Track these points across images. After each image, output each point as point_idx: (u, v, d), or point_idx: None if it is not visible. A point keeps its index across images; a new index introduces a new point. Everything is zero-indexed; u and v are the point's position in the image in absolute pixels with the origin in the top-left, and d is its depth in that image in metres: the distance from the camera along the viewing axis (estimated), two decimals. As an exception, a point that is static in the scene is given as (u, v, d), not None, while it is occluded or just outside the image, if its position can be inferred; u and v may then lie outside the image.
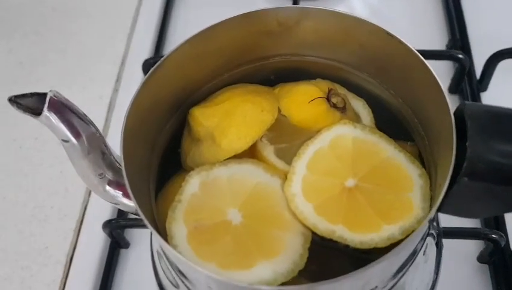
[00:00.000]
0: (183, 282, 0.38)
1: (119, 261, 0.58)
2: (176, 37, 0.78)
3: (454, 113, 0.34)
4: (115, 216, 0.60)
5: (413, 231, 0.35)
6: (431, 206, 0.36)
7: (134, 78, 0.72)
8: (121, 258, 0.58)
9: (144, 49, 0.75)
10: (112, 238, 0.57)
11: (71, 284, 0.57)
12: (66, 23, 0.81)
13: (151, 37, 0.76)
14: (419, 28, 0.74)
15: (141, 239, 0.59)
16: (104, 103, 0.71)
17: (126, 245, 0.59)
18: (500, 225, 0.55)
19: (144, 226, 0.56)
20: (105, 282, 0.56)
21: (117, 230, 0.56)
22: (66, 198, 0.63)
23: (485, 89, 0.66)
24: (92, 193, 0.63)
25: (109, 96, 0.72)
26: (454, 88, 0.66)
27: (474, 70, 0.67)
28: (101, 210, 0.61)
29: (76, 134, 0.36)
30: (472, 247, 0.55)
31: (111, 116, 0.70)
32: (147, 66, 0.68)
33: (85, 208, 0.62)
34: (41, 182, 0.65)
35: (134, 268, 0.58)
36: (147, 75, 0.38)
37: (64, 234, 0.61)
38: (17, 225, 0.62)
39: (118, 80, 0.74)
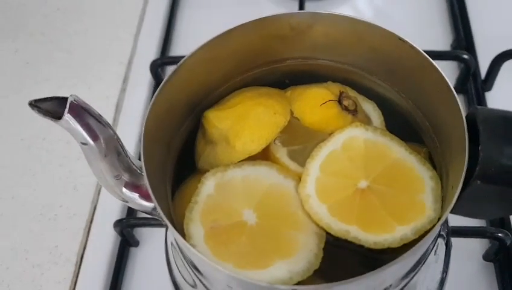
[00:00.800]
0: (200, 281, 0.39)
1: (129, 259, 0.59)
2: (183, 37, 0.78)
3: (466, 117, 0.35)
4: (124, 215, 0.61)
5: (425, 232, 0.36)
6: (443, 208, 0.37)
7: (142, 78, 0.72)
8: (130, 257, 0.59)
9: (150, 49, 0.75)
10: (122, 237, 0.58)
11: (82, 282, 0.58)
12: (71, 23, 0.82)
13: (158, 37, 0.77)
14: (424, 28, 0.75)
15: (151, 238, 0.60)
16: (111, 102, 0.71)
17: (136, 244, 0.59)
18: (506, 224, 0.56)
19: (154, 225, 0.57)
20: (115, 280, 0.57)
21: (127, 229, 0.57)
22: (75, 197, 0.64)
23: (489, 89, 0.67)
24: (102, 192, 0.64)
25: (116, 96, 0.72)
26: (459, 88, 0.67)
27: (479, 71, 0.68)
28: (110, 209, 0.61)
29: (95, 137, 0.36)
30: (478, 245, 0.56)
31: (118, 116, 0.70)
32: (154, 66, 0.69)
33: (95, 207, 0.63)
34: (50, 182, 0.66)
35: (144, 266, 0.58)
36: (164, 80, 0.39)
37: (74, 232, 0.61)
38: (26, 224, 0.62)
39: (125, 80, 0.74)
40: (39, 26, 0.82)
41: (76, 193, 0.64)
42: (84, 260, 0.59)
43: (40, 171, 0.67)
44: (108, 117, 0.69)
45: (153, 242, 0.60)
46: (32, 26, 0.82)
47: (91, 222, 0.62)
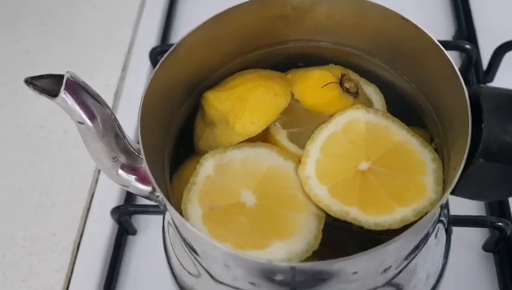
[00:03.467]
0: (199, 263, 0.38)
1: (126, 247, 0.58)
2: (183, 25, 0.78)
3: (469, 96, 0.34)
4: (121, 203, 0.60)
5: (426, 213, 0.36)
6: (444, 189, 0.37)
7: (141, 67, 0.72)
8: (128, 245, 0.59)
9: (150, 37, 0.75)
10: (120, 225, 0.58)
11: (79, 270, 0.57)
12: (71, 12, 0.81)
13: (158, 25, 0.76)
14: (425, 18, 0.74)
15: (148, 226, 0.60)
16: (110, 91, 0.71)
17: (133, 232, 0.59)
18: (506, 213, 0.55)
19: (152, 212, 0.57)
20: (112, 268, 0.56)
21: (125, 217, 0.57)
22: (73, 185, 0.64)
23: (491, 80, 0.66)
24: (99, 180, 0.63)
25: (116, 85, 0.72)
26: (461, 79, 0.66)
27: (480, 61, 0.67)
28: (107, 197, 0.61)
29: (92, 116, 0.35)
30: (477, 236, 0.56)
31: (118, 104, 0.70)
32: (154, 54, 0.68)
33: (92, 195, 0.63)
34: (47, 170, 0.65)
35: (142, 254, 0.58)
36: (163, 58, 0.38)
37: (71, 220, 0.61)
38: (24, 212, 0.62)
39: (125, 68, 0.74)
40: (39, 15, 0.81)
41: (73, 181, 0.64)
42: (81, 248, 0.59)
43: (38, 160, 0.66)
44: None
45: (150, 230, 0.59)
46: (32, 15, 0.81)
47: (88, 209, 0.62)
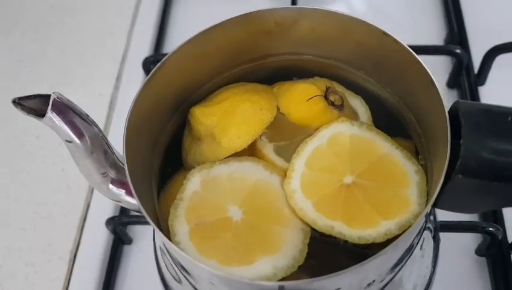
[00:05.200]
0: (185, 278, 0.39)
1: (122, 257, 0.59)
2: (176, 34, 0.78)
3: (449, 112, 0.35)
4: (117, 213, 0.61)
5: (410, 226, 0.36)
6: (427, 202, 0.37)
7: (135, 76, 0.72)
8: (124, 254, 0.59)
9: (144, 46, 0.75)
10: (115, 235, 0.58)
11: (75, 280, 0.58)
12: (65, 21, 0.82)
13: (151, 34, 0.77)
14: (417, 23, 0.74)
15: (144, 235, 0.60)
16: (104, 100, 0.71)
17: (129, 241, 0.60)
18: (498, 218, 0.55)
19: (146, 223, 0.57)
20: (108, 277, 0.57)
21: (120, 227, 0.57)
22: (69, 196, 0.64)
23: (482, 83, 0.66)
24: (95, 191, 0.64)
25: (110, 94, 0.72)
26: (452, 83, 0.67)
27: (472, 65, 0.68)
28: (103, 208, 0.61)
29: (79, 134, 0.36)
30: (470, 240, 0.56)
31: (112, 113, 0.70)
32: (147, 63, 0.69)
33: (88, 206, 0.63)
34: (43, 180, 0.66)
35: (137, 264, 0.59)
36: (149, 75, 0.39)
37: (67, 231, 0.61)
38: (20, 222, 0.63)
39: (119, 77, 0.74)
40: (33, 24, 0.82)
41: (69, 192, 0.64)
42: (77, 258, 0.60)
43: (34, 170, 0.67)
44: (101, 114, 0.70)
45: (146, 240, 0.60)
46: (26, 23, 0.82)
47: (84, 220, 0.62)
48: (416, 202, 0.37)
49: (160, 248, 0.44)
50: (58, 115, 0.35)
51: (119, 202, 0.40)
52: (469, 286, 0.54)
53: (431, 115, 0.37)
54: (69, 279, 0.58)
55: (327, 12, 0.41)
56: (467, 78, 0.67)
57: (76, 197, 0.64)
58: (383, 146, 0.40)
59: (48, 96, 0.35)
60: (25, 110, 0.35)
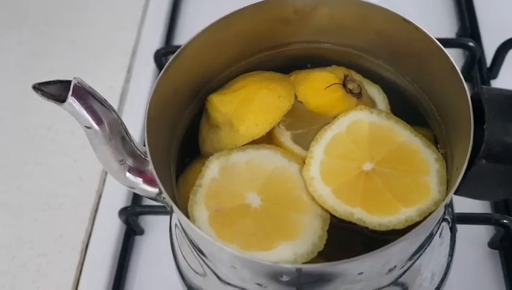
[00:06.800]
0: (206, 264, 0.39)
1: (134, 247, 0.59)
2: (187, 26, 0.78)
3: (471, 97, 0.35)
4: (129, 204, 0.61)
5: (430, 213, 0.36)
6: (448, 189, 0.37)
7: (146, 69, 0.72)
8: (135, 245, 0.59)
9: (154, 39, 0.75)
10: (127, 225, 0.58)
11: (87, 270, 0.58)
12: (75, 14, 0.82)
13: (162, 27, 0.77)
14: (429, 16, 0.74)
15: (155, 226, 0.60)
16: (115, 93, 0.72)
17: (141, 232, 0.60)
18: (511, 210, 0.55)
19: (159, 212, 0.57)
20: (120, 268, 0.57)
21: (132, 217, 0.57)
22: (80, 186, 0.64)
23: (495, 76, 0.66)
24: (106, 181, 0.64)
25: (121, 87, 0.72)
26: (464, 76, 0.66)
27: (484, 58, 0.67)
28: (115, 198, 0.61)
29: (99, 120, 0.36)
30: (483, 233, 0.56)
31: (123, 106, 0.70)
32: (158, 56, 0.69)
33: (100, 196, 0.63)
34: (55, 171, 0.66)
35: (149, 254, 0.59)
36: (168, 62, 0.39)
37: (79, 221, 0.61)
38: (31, 214, 0.63)
39: (129, 70, 0.74)
40: (43, 17, 0.82)
41: (81, 182, 0.64)
42: (89, 248, 0.60)
43: (45, 161, 0.67)
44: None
45: (158, 230, 0.60)
46: (37, 17, 0.82)
47: (96, 210, 0.62)
48: (437, 189, 0.37)
49: (177, 236, 0.44)
50: (78, 101, 0.35)
51: (134, 189, 0.40)
52: (481, 278, 0.54)
53: (452, 102, 0.37)
54: (81, 269, 0.58)
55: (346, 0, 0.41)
56: (479, 71, 0.66)
57: (87, 187, 0.64)
58: (402, 134, 0.40)
59: (68, 82, 0.35)
60: (45, 95, 0.35)
